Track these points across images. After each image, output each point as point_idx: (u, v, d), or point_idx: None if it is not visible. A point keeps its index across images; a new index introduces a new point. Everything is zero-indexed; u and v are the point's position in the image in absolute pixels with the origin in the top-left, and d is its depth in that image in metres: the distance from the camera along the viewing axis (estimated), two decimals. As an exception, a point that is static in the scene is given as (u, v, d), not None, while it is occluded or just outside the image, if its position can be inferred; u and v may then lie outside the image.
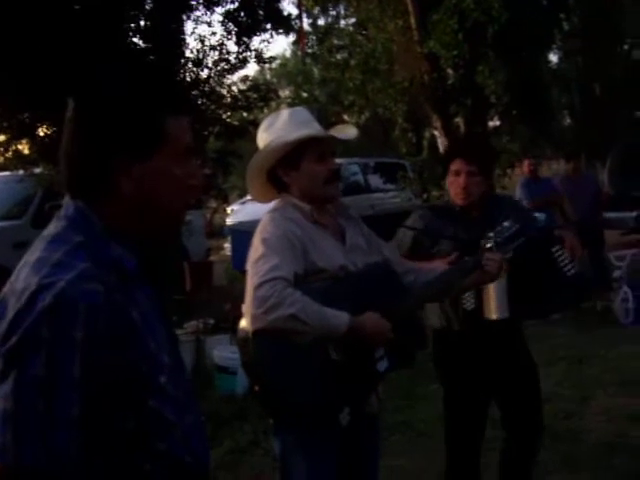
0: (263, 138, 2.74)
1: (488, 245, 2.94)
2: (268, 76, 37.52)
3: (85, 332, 1.30)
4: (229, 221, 14.46)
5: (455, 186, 3.45)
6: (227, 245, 14.63)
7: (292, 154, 2.65)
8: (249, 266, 2.50)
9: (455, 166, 3.44)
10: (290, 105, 32.18)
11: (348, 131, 2.89)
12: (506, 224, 3.02)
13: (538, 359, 6.21)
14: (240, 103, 9.83)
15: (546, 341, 7.02)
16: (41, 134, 8.39)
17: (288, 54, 38.90)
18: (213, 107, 9.54)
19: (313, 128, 2.72)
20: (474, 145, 3.78)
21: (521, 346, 3.61)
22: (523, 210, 3.52)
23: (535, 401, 3.60)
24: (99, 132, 1.46)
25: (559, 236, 3.47)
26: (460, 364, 3.49)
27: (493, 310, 3.28)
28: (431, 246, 3.40)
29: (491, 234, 2.98)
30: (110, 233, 1.47)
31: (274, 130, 2.71)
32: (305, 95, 35.75)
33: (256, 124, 10.27)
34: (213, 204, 19.94)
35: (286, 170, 2.68)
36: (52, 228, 1.49)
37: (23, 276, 1.39)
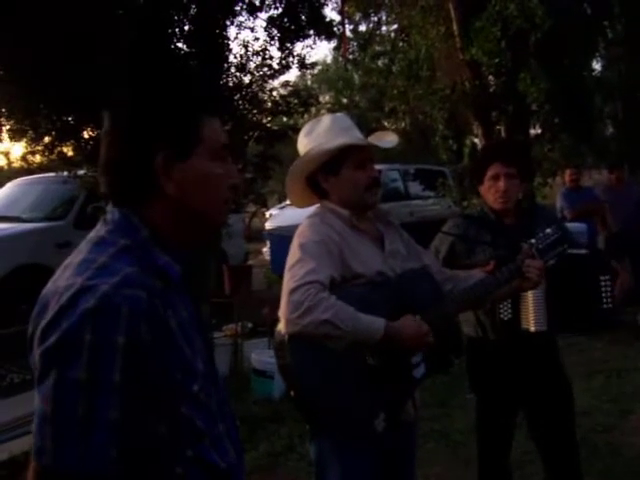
0: (304, 144, 2.76)
1: (529, 251, 2.91)
2: (309, 82, 37.64)
3: (127, 337, 1.31)
4: (268, 226, 14.50)
5: (494, 190, 3.40)
6: (265, 249, 14.70)
7: (332, 161, 2.66)
8: (286, 270, 2.51)
9: (493, 170, 3.39)
10: (330, 111, 32.30)
11: (388, 138, 2.89)
12: (548, 230, 2.99)
13: (575, 372, 6.20)
14: (281, 108, 9.85)
15: (584, 353, 6.95)
16: (85, 136, 8.49)
17: (329, 60, 38.95)
18: (254, 112, 9.58)
19: (354, 136, 2.73)
20: (511, 148, 3.71)
21: (556, 361, 3.53)
22: (559, 222, 3.47)
23: (568, 419, 3.50)
24: (138, 135, 1.48)
25: (613, 267, 3.39)
26: (494, 374, 3.45)
27: (531, 322, 3.21)
28: (467, 256, 3.36)
29: (532, 240, 2.95)
30: (155, 239, 1.49)
31: (315, 136, 2.73)
32: (345, 101, 35.90)
33: (296, 129, 10.31)
34: (252, 208, 20.04)
35: (326, 176, 2.70)
36: (98, 231, 1.51)
37: (66, 276, 1.40)
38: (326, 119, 2.81)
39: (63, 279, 1.40)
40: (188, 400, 1.45)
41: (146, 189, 1.50)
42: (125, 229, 1.48)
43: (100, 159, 1.53)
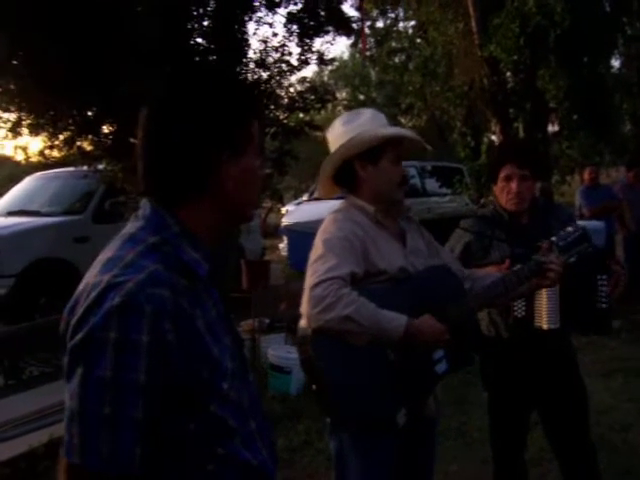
0: (342, 132, 2.75)
1: (549, 249, 2.90)
2: (325, 78, 37.59)
3: (151, 336, 1.32)
4: (285, 221, 14.51)
5: (507, 192, 3.37)
6: (282, 245, 14.70)
7: (374, 150, 2.67)
8: (308, 266, 2.52)
9: (506, 171, 3.36)
10: (347, 107, 32.24)
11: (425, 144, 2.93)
12: (570, 228, 2.98)
13: (593, 370, 6.18)
14: (297, 104, 9.86)
15: (601, 352, 6.91)
16: (105, 131, 8.53)
17: (346, 56, 38.89)
18: (271, 108, 9.59)
19: (402, 130, 2.77)
20: (524, 149, 3.66)
21: (571, 360, 3.51)
22: (574, 222, 3.44)
23: (582, 419, 3.47)
24: (202, 136, 1.50)
25: (610, 267, 3.34)
26: (506, 373, 3.44)
27: (544, 319, 3.19)
28: (482, 255, 3.35)
29: (553, 238, 2.94)
30: (187, 236, 1.50)
31: (358, 125, 2.73)
32: (362, 97, 35.85)
33: (312, 125, 10.32)
34: (268, 204, 20.03)
35: (364, 164, 2.70)
36: (129, 227, 1.51)
37: (94, 273, 1.42)
38: (368, 112, 2.83)
39: (92, 276, 1.42)
40: (217, 398, 1.46)
41: (200, 187, 1.52)
42: (156, 225, 1.49)
43: (143, 163, 1.54)
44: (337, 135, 2.76)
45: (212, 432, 1.45)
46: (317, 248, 2.55)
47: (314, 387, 2.54)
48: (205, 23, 8.49)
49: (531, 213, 3.44)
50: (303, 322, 2.48)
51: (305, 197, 18.96)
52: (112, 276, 1.37)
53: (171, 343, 1.35)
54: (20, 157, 11.14)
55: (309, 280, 2.45)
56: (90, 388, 1.30)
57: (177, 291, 1.39)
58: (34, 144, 10.18)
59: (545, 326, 3.20)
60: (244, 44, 8.69)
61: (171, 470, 1.41)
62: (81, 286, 1.43)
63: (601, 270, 3.29)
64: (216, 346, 1.47)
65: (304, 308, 2.43)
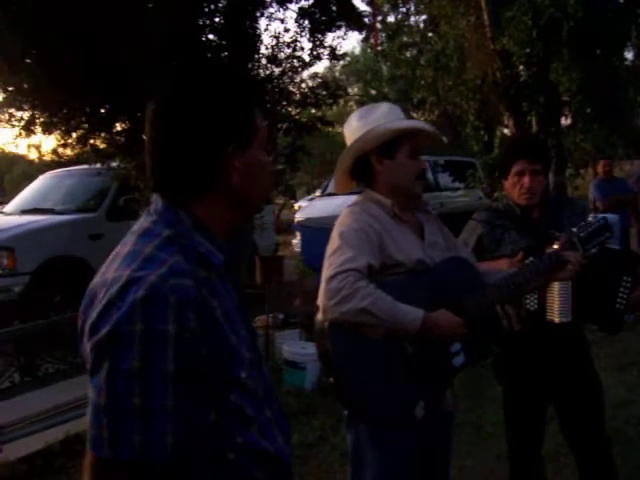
0: (357, 126, 2.75)
1: (569, 240, 2.89)
2: (337, 73, 37.57)
3: (177, 326, 1.32)
4: (298, 217, 14.53)
5: (519, 187, 3.36)
6: (295, 241, 14.70)
7: (390, 144, 2.67)
8: (325, 258, 2.52)
9: (518, 167, 3.35)
10: (359, 103, 32.19)
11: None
12: (590, 219, 2.96)
13: (608, 364, 6.16)
14: (309, 100, 9.85)
15: (616, 345, 6.87)
16: (118, 128, 8.56)
17: (357, 52, 38.85)
18: (283, 103, 9.59)
19: (418, 123, 2.76)
20: (536, 144, 3.64)
21: (584, 353, 3.49)
22: (588, 214, 3.44)
23: (597, 413, 3.45)
24: (208, 130, 1.50)
25: (637, 271, 3.32)
26: (519, 365, 3.43)
27: (556, 312, 3.18)
28: (495, 248, 3.34)
29: (574, 229, 2.93)
30: (199, 229, 1.50)
31: (373, 119, 2.72)
32: (374, 92, 35.79)
33: (324, 121, 10.31)
34: (281, 200, 20.06)
35: (381, 158, 2.70)
36: (142, 222, 1.52)
37: (113, 268, 1.42)
38: (384, 105, 2.83)
39: (111, 271, 1.42)
40: (236, 387, 1.47)
41: (207, 182, 1.52)
42: (169, 219, 1.50)
43: (151, 159, 1.55)
44: (353, 130, 2.76)
45: (232, 421, 1.46)
46: (334, 241, 2.56)
47: (331, 380, 2.54)
48: (217, 19, 8.49)
49: (543, 207, 3.43)
50: (320, 315, 2.48)
51: (318, 193, 18.96)
52: (132, 270, 1.37)
53: (196, 332, 1.36)
54: (33, 155, 11.24)
55: (326, 272, 2.45)
56: (119, 381, 1.30)
57: (198, 281, 1.41)
58: (47, 142, 10.26)
59: (557, 319, 3.19)
60: (256, 40, 8.69)
61: (196, 460, 1.41)
62: (97, 282, 1.44)
63: (629, 272, 3.28)
64: (234, 335, 1.48)
65: (320, 300, 2.43)
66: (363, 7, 21.17)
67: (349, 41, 76.59)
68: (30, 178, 12.76)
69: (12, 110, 8.44)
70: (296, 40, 9.12)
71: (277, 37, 9.01)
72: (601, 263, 3.14)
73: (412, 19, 21.33)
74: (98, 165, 9.32)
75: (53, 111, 8.19)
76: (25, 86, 8.04)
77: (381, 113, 2.75)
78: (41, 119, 8.35)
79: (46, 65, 7.41)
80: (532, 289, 3.01)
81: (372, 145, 2.68)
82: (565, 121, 12.64)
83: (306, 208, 15.45)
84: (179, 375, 1.33)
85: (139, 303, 1.32)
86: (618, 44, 12.27)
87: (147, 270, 1.37)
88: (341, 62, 15.34)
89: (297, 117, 10.13)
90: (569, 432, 3.51)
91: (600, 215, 3.04)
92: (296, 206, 19.99)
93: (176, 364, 1.32)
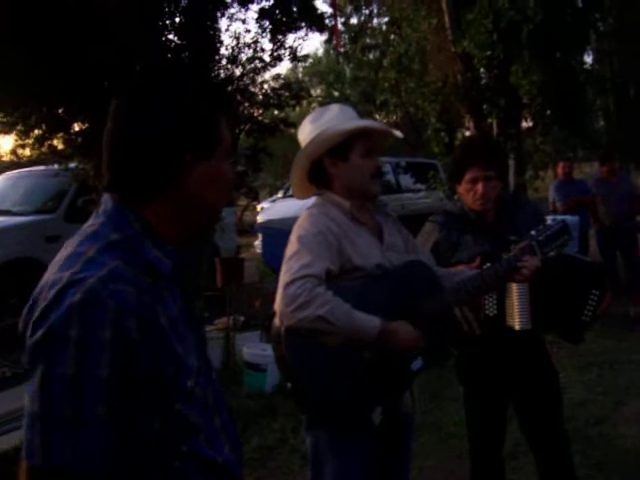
0: (309, 130, 2.73)
1: (527, 244, 2.89)
2: (300, 75, 37.58)
3: (114, 332, 1.29)
4: (260, 219, 14.49)
5: (473, 193, 3.34)
6: (257, 243, 14.66)
7: (342, 146, 2.65)
8: (283, 262, 2.49)
9: (471, 174, 3.32)
10: (321, 104, 32.22)
11: (396, 131, 2.90)
12: (549, 222, 2.98)
13: (568, 364, 6.21)
14: (272, 101, 9.79)
15: (576, 346, 6.93)
16: (76, 129, 8.44)
17: (320, 53, 38.91)
18: (245, 104, 9.53)
19: (367, 122, 2.74)
20: (489, 149, 3.60)
21: (542, 354, 3.51)
22: (542, 215, 3.45)
23: (556, 412, 3.47)
24: (167, 135, 1.47)
25: (605, 284, 3.36)
26: (480, 367, 3.44)
27: (516, 320, 3.19)
28: (451, 254, 3.33)
29: (532, 232, 2.93)
30: (147, 234, 1.47)
31: (324, 122, 2.70)
32: (336, 94, 35.87)
33: (287, 122, 10.28)
34: (243, 202, 19.97)
35: (334, 160, 2.67)
36: (90, 224, 1.49)
37: (54, 270, 1.39)
38: (334, 107, 2.81)
39: (51, 273, 1.39)
40: (182, 396, 1.44)
41: (160, 186, 1.49)
42: (117, 222, 1.47)
43: (107, 155, 1.51)
44: (306, 134, 2.74)
45: (176, 430, 1.44)
46: (292, 244, 2.53)
47: (289, 385, 2.51)
48: (177, 19, 8.40)
49: (496, 210, 3.42)
50: (276, 320, 2.45)
51: (280, 194, 18.95)
52: (72, 273, 1.34)
53: (135, 340, 1.32)
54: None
55: (283, 277, 2.42)
56: (51, 386, 1.27)
57: (140, 288, 1.37)
58: (6, 143, 10.11)
59: (517, 327, 3.20)
60: (216, 41, 8.63)
61: (137, 469, 1.38)
62: (40, 284, 1.41)
63: (597, 285, 3.31)
64: (180, 344, 1.45)
65: (277, 306, 2.40)
66: (325, 8, 21.21)
67: (312, 42, 76.75)
68: (-12, 179, 12.56)
69: (-33, 111, 8.29)
70: (257, 41, 9.07)
71: (238, 38, 8.96)
72: (571, 275, 3.16)
73: (375, 21, 21.43)
74: (56, 166, 9.18)
75: (9, 111, 8.06)
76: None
77: (332, 115, 2.73)
78: (-2, 120, 8.21)
79: (0, 64, 7.28)
80: (490, 291, 3.02)
81: (323, 148, 2.66)
82: (525, 123, 12.76)
83: (268, 210, 15.43)
84: (115, 383, 1.29)
85: (76, 306, 1.29)
86: (577, 47, 12.43)
87: (86, 273, 1.33)
88: (303, 63, 15.31)
89: (259, 118, 10.07)
90: (528, 431, 3.53)
91: (560, 217, 3.06)
92: (259, 208, 19.94)
93: (112, 371, 1.29)
